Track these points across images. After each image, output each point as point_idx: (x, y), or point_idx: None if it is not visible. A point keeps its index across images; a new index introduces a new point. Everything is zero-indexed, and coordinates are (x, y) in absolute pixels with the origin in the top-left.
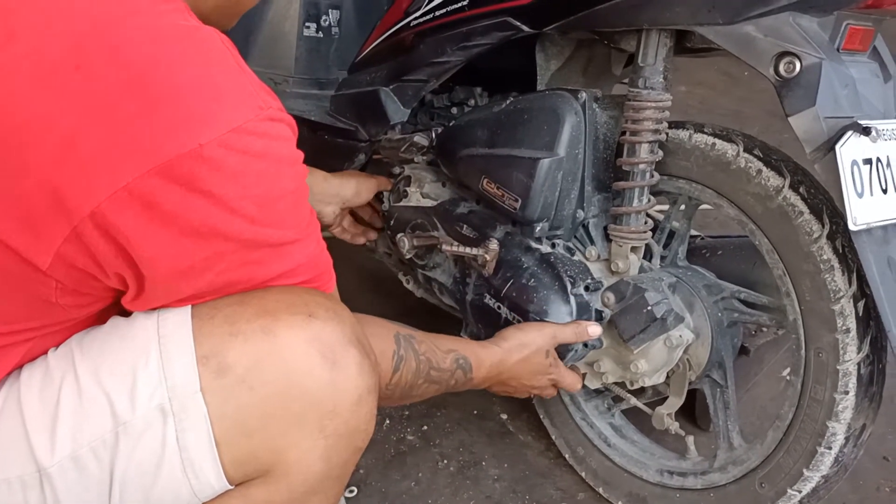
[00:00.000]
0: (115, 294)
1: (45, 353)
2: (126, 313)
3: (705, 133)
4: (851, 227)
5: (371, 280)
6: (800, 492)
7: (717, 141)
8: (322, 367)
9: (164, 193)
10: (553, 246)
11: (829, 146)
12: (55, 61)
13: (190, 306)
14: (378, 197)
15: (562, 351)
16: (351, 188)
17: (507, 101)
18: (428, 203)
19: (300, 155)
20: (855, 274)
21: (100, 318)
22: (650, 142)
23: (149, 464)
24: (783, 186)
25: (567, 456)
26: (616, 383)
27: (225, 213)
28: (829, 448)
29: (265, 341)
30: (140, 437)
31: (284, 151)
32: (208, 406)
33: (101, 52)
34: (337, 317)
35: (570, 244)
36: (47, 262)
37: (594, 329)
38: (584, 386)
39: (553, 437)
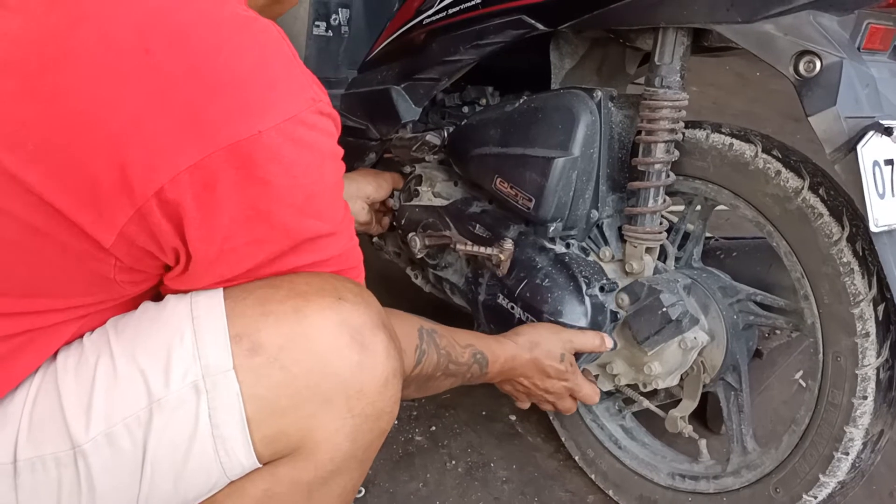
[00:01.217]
0: (164, 272)
1: (92, 331)
2: (158, 297)
3: (723, 133)
4: (873, 228)
5: (382, 280)
6: (815, 497)
7: (735, 141)
8: (351, 348)
9: (222, 177)
10: (567, 246)
11: (849, 146)
12: (123, 45)
13: (222, 288)
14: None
15: (577, 352)
16: (370, 183)
17: (521, 100)
18: (439, 202)
19: (341, 151)
20: (875, 277)
21: (137, 303)
22: (666, 141)
23: (181, 441)
24: (802, 188)
25: (577, 458)
26: (629, 385)
27: (274, 200)
28: (847, 453)
29: (297, 322)
30: (173, 413)
31: (329, 146)
32: (241, 384)
33: (166, 37)
34: (364, 302)
35: (585, 244)
36: (111, 240)
37: (610, 343)
38: None
39: (563, 439)
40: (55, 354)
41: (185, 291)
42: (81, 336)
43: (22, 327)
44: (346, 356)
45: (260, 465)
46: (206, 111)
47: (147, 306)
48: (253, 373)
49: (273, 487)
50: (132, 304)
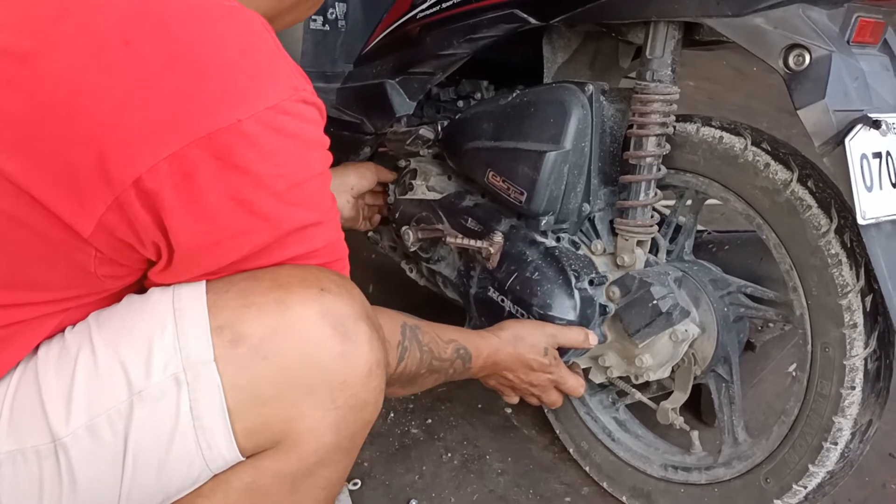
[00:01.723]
0: (147, 267)
1: (74, 324)
2: (142, 291)
3: (713, 126)
4: (860, 221)
5: (376, 274)
6: (805, 487)
7: (725, 134)
8: (334, 339)
9: (201, 166)
10: (558, 240)
11: (838, 139)
12: (105, 37)
13: (204, 281)
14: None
15: (561, 347)
16: (351, 174)
17: (514, 94)
18: (433, 196)
19: (327, 140)
20: (863, 268)
21: (119, 298)
22: (657, 135)
23: (162, 433)
24: (791, 180)
25: (571, 450)
26: (621, 378)
27: (256, 189)
28: (835, 443)
29: (279, 313)
30: (154, 406)
31: (314, 134)
32: (222, 376)
33: (148, 28)
34: (348, 293)
35: (576, 238)
36: (90, 229)
37: (594, 339)
38: (588, 381)
39: (557, 432)
40: (36, 348)
41: (170, 285)
42: (63, 330)
43: (5, 320)
44: (329, 347)
45: (242, 458)
46: (186, 102)
47: (130, 299)
48: (234, 364)
49: (257, 480)
50: (114, 300)
